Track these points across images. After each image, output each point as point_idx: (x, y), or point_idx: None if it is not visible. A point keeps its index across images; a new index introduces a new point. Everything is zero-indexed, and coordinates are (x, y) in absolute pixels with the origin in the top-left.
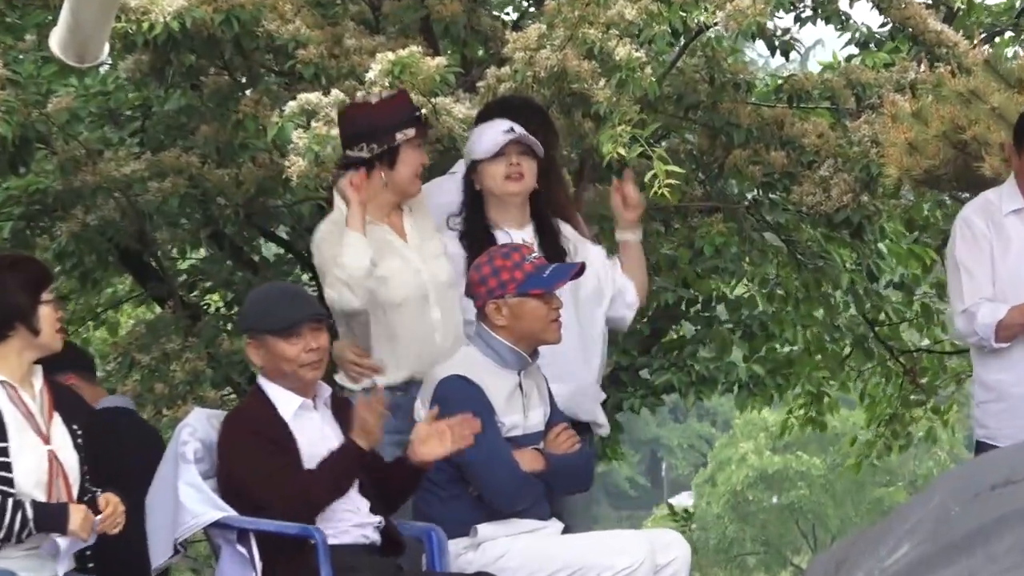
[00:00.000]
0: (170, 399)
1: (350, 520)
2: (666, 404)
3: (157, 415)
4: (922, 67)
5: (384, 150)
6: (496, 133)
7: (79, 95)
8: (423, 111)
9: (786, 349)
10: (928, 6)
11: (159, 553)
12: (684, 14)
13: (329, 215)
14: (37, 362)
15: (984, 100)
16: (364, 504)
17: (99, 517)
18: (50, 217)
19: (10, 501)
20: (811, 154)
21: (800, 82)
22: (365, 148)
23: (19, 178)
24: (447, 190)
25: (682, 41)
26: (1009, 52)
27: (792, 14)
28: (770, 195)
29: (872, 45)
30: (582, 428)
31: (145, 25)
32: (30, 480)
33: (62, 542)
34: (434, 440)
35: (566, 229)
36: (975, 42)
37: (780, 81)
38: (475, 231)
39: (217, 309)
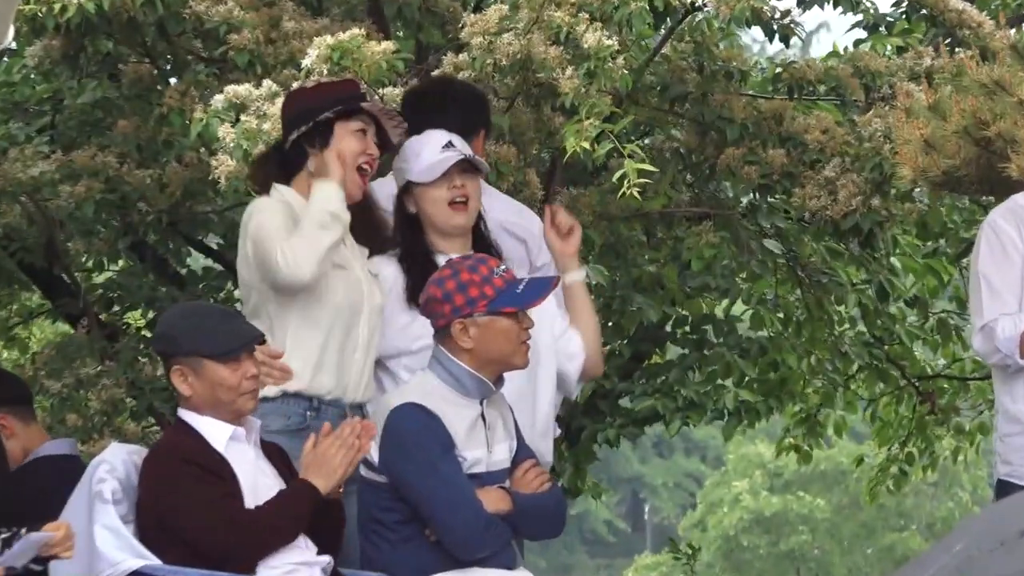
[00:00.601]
0: (84, 432)
1: (294, 557)
2: (649, 437)
3: None
4: (940, 53)
5: (311, 129)
6: (434, 151)
7: None
8: (376, 97)
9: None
10: None
11: None
12: None
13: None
14: None
15: (1011, 91)
16: (308, 541)
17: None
18: None
19: None
20: (814, 152)
21: (802, 71)
22: (296, 133)
23: None
24: (387, 195)
25: (668, 24)
26: None
27: None
28: (768, 198)
29: (883, 28)
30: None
31: (56, 6)
32: None
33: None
34: (323, 466)
35: (517, 251)
36: (1002, 24)
37: (779, 70)
38: (414, 254)
39: (138, 329)
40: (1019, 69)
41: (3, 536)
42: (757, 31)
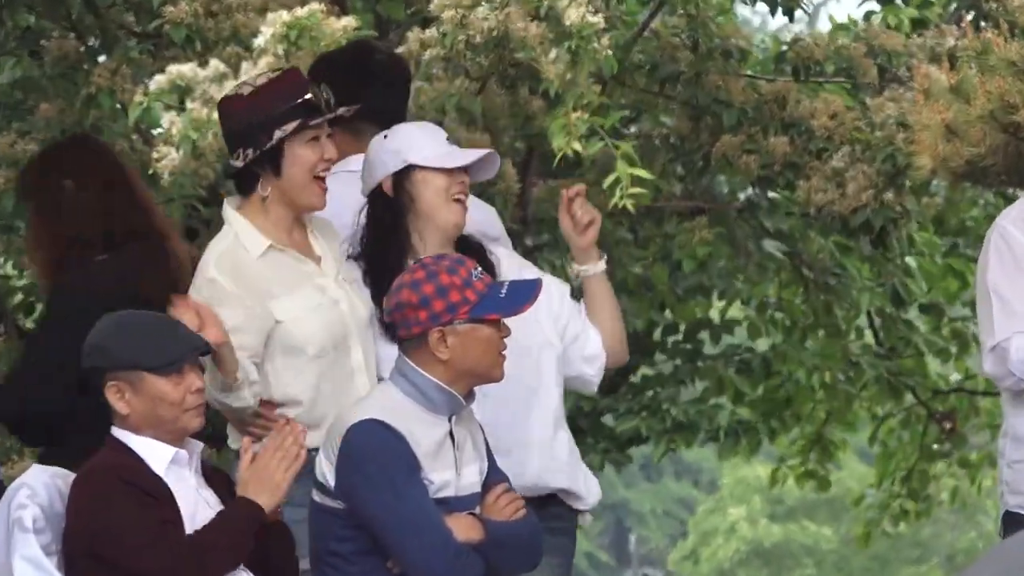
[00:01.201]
0: (2, 452)
1: None
2: (636, 459)
3: None
4: (964, 28)
5: (262, 154)
6: (439, 139)
7: None
8: (318, 90)
9: (786, 387)
10: None
11: None
12: None
13: (218, 235)
14: None
15: None
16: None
17: None
18: None
19: None
20: (821, 140)
21: (808, 49)
22: (241, 155)
23: None
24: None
25: None
26: None
27: None
28: (769, 193)
29: (899, 0)
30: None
31: None
32: None
33: None
34: (266, 481)
35: (499, 251)
36: None
37: (783, 48)
38: (383, 255)
39: None
40: None
41: None
42: (760, 4)
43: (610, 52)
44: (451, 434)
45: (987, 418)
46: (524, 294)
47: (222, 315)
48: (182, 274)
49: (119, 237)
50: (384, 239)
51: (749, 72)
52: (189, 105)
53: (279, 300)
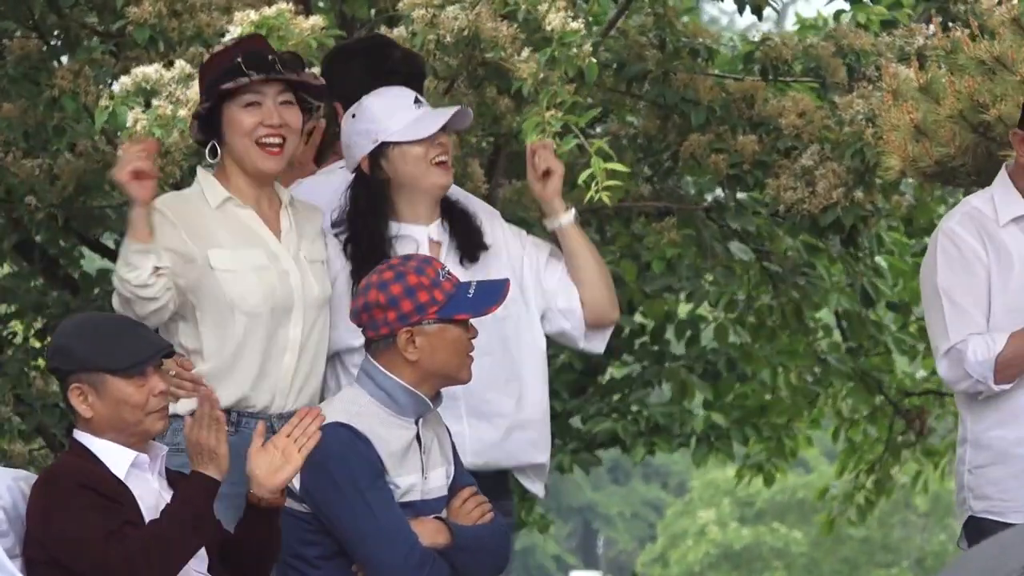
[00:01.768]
0: None
1: None
2: (604, 461)
3: None
4: (933, 28)
5: (203, 119)
6: (407, 108)
7: None
8: (272, 57)
9: (759, 393)
10: None
11: None
12: None
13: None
14: None
15: (1013, 70)
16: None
17: None
18: None
19: None
20: (790, 139)
21: (776, 48)
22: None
23: None
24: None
25: None
26: None
27: None
28: (738, 194)
29: None
30: (499, 490)
31: None
32: None
33: None
34: (275, 459)
35: (495, 228)
36: None
37: (751, 46)
38: (367, 231)
39: (25, 339)
40: (1022, 45)
41: None
42: (727, 2)
43: (593, 60)
44: (418, 437)
45: (954, 409)
46: (492, 294)
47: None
48: None
49: None
50: (363, 218)
51: (717, 71)
52: (155, 103)
53: (221, 249)
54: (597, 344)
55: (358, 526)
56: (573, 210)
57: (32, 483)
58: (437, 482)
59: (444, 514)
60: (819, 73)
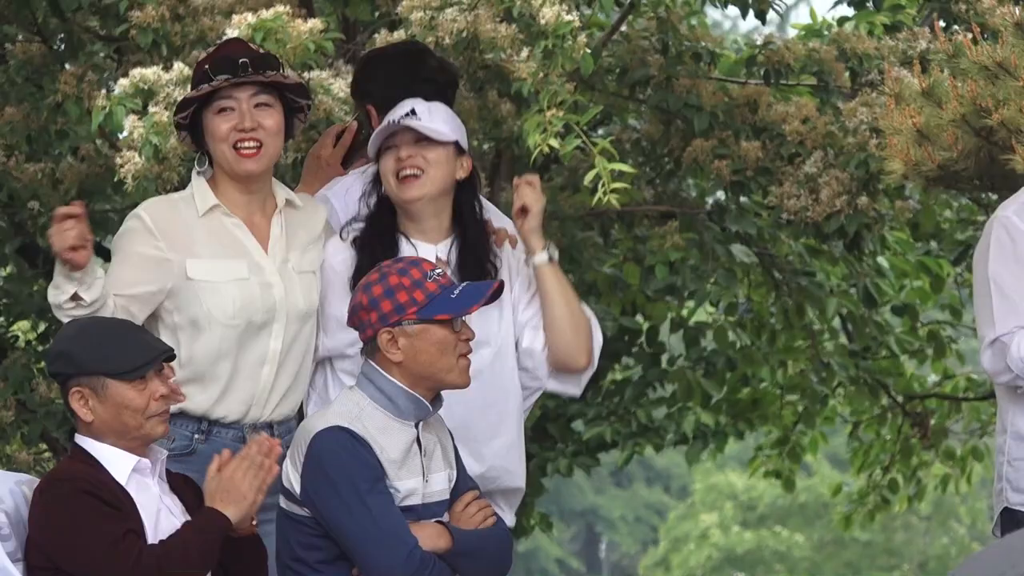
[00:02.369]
0: None
1: None
2: (606, 464)
3: None
4: (935, 32)
5: (185, 128)
6: (391, 119)
7: None
8: (243, 60)
9: (751, 388)
10: None
11: None
12: None
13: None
14: None
15: (1016, 75)
16: None
17: None
18: None
19: None
20: (793, 145)
21: (779, 52)
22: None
23: None
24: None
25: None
26: None
27: None
28: (741, 197)
29: (870, 3)
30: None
31: None
32: None
33: None
34: (231, 491)
35: (507, 252)
36: None
37: (754, 50)
38: (378, 239)
39: (28, 343)
40: None
41: None
42: (730, 7)
43: (588, 51)
44: (418, 440)
45: (972, 414)
46: (476, 294)
47: (123, 246)
48: None
49: None
50: (377, 219)
51: (719, 75)
52: (152, 109)
53: (199, 260)
54: (570, 387)
55: (358, 530)
56: (548, 250)
57: (34, 487)
58: (439, 486)
59: (446, 518)
60: (822, 77)
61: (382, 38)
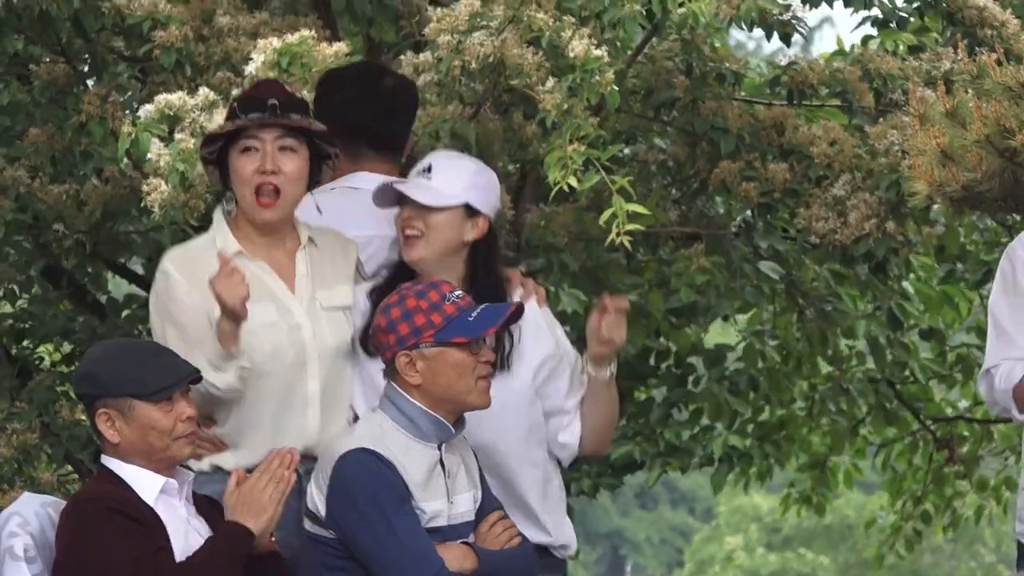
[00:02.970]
0: None
1: None
2: (631, 487)
3: None
4: (959, 53)
5: (213, 167)
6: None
7: None
8: (272, 101)
9: (778, 412)
10: None
11: None
12: None
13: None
14: None
15: None
16: None
17: None
18: None
19: None
20: (821, 167)
21: (803, 73)
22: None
23: None
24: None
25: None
26: None
27: None
28: (768, 216)
29: (894, 24)
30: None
31: None
32: None
33: None
34: (251, 504)
35: (533, 310)
36: None
37: (778, 71)
38: (393, 283)
39: (53, 365)
40: None
41: None
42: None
43: (615, 87)
44: (441, 462)
45: (1003, 442)
46: (494, 316)
47: (171, 307)
48: None
49: None
50: (397, 268)
51: (744, 96)
52: (177, 136)
53: None
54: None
55: (384, 551)
56: (612, 368)
57: (60, 509)
58: (464, 507)
59: (471, 539)
60: (846, 97)
61: (408, 60)
